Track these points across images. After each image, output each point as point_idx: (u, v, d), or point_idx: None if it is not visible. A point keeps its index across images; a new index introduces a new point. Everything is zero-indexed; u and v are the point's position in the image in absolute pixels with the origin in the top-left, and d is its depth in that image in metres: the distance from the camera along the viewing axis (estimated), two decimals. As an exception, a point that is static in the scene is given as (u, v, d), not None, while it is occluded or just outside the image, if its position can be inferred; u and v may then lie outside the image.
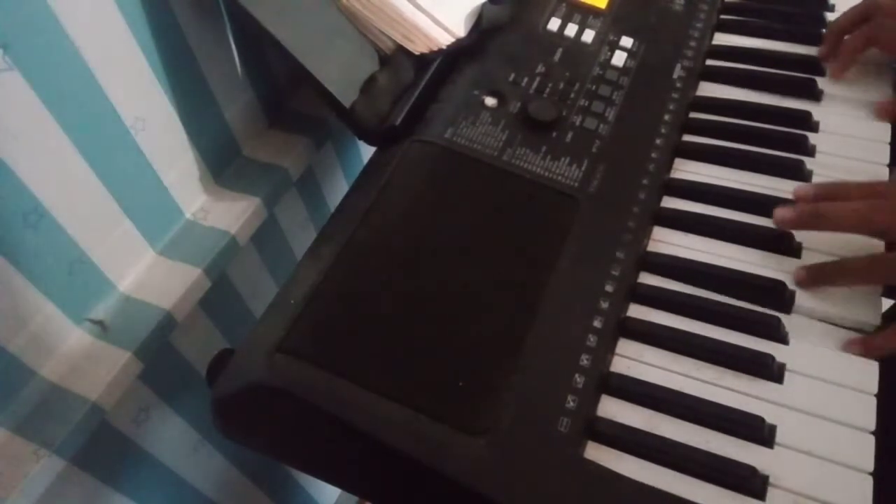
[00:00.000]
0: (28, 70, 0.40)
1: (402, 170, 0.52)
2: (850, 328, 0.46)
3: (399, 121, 0.55)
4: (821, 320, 0.47)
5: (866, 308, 0.47)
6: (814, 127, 0.58)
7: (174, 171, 0.55)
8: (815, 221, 0.49)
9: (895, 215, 0.47)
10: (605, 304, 0.46)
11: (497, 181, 0.51)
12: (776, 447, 0.41)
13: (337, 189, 0.80)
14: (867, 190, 0.49)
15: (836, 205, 0.49)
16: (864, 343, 0.45)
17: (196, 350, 0.62)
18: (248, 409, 0.45)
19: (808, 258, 0.50)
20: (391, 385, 0.41)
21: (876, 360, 0.45)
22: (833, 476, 0.40)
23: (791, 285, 0.48)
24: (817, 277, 0.48)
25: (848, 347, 0.45)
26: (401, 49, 0.58)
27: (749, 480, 0.39)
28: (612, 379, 0.44)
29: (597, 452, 0.41)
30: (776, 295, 0.48)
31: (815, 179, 0.54)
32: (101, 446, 0.54)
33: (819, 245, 0.50)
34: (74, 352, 0.49)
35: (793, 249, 0.50)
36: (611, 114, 0.57)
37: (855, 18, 0.61)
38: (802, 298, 0.47)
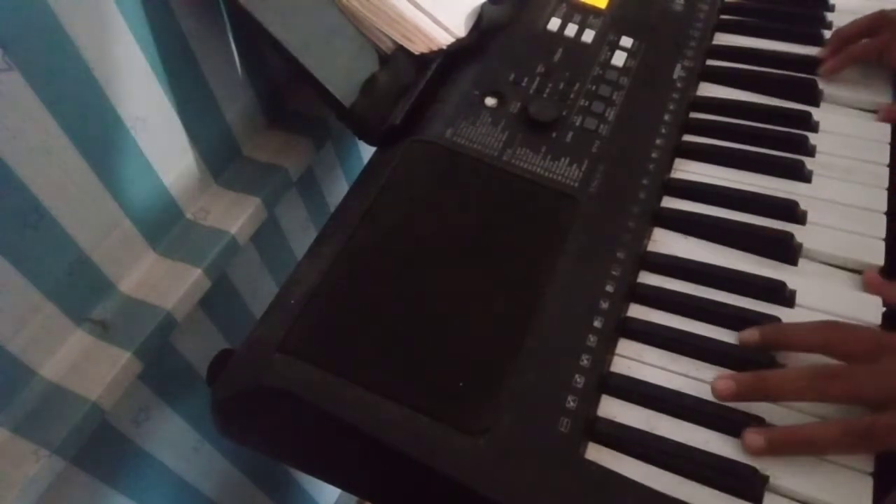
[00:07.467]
0: (28, 70, 0.40)
1: (402, 170, 0.52)
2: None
3: (399, 121, 0.55)
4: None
5: (870, 304, 0.47)
6: (814, 127, 0.58)
7: (174, 171, 0.55)
8: (758, 395, 0.42)
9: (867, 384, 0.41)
10: (605, 304, 0.46)
11: (497, 181, 0.51)
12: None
13: (337, 189, 0.80)
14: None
15: (781, 373, 0.43)
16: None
17: (196, 350, 0.62)
18: (248, 409, 0.45)
19: (808, 260, 0.50)
20: (391, 385, 0.41)
21: None
22: (833, 476, 0.40)
23: (791, 285, 0.48)
24: (776, 447, 0.40)
25: None
26: (401, 49, 0.58)
27: (749, 480, 0.39)
28: (612, 379, 0.44)
29: (597, 453, 0.41)
30: (776, 294, 0.47)
31: (816, 179, 0.54)
32: (101, 446, 0.54)
33: (820, 246, 0.50)
34: (74, 352, 0.49)
35: (793, 250, 0.50)
36: (611, 114, 0.57)
37: (863, 28, 0.61)
38: (802, 297, 0.47)
